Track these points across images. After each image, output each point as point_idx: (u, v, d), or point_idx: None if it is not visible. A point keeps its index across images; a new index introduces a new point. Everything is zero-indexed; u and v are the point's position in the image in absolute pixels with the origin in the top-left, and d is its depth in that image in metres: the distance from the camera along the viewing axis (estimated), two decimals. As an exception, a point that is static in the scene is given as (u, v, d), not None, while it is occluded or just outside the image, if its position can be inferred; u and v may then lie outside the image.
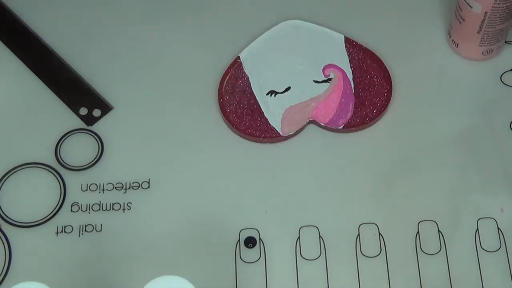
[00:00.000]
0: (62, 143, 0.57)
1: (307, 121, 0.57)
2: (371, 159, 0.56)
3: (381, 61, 0.59)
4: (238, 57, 0.59)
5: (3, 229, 0.53)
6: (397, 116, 0.57)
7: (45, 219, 0.54)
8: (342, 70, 0.58)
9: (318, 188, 0.55)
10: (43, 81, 0.59)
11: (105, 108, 0.58)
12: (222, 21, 0.62)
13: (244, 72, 0.58)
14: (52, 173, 0.55)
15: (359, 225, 0.53)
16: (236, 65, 0.59)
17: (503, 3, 0.54)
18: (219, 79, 0.58)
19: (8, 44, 0.61)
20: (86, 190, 0.55)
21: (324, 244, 0.53)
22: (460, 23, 0.57)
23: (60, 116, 0.58)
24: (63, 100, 0.59)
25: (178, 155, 0.56)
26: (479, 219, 0.53)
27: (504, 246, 0.52)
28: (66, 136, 0.57)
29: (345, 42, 0.59)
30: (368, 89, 0.58)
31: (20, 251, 0.53)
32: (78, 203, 0.54)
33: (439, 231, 0.53)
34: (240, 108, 0.57)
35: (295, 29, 0.60)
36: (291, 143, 0.57)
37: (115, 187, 0.55)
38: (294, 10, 0.61)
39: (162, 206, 0.54)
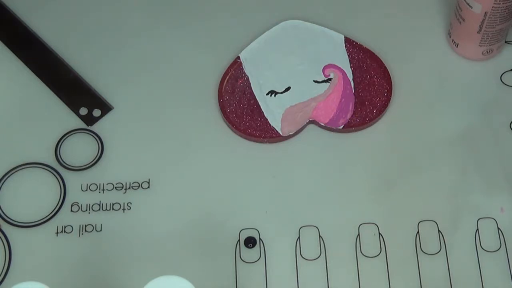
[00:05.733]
0: (62, 143, 0.57)
1: (307, 121, 0.57)
2: (371, 159, 0.56)
3: (381, 61, 0.59)
4: (238, 57, 0.59)
5: (3, 229, 0.53)
6: (397, 116, 0.57)
7: (45, 219, 0.54)
8: (342, 70, 0.58)
9: (318, 188, 0.55)
10: (43, 81, 0.59)
11: (105, 108, 0.58)
12: (222, 21, 0.62)
13: (244, 72, 0.58)
14: (52, 173, 0.55)
15: (359, 225, 0.53)
16: (236, 65, 0.59)
17: (503, 3, 0.54)
18: (219, 79, 0.58)
19: (8, 44, 0.61)
20: (86, 190, 0.55)
21: (324, 244, 0.53)
22: (460, 23, 0.57)
23: (60, 116, 0.58)
24: (63, 100, 0.59)
25: (178, 155, 0.56)
26: (479, 219, 0.53)
27: (504, 246, 0.52)
28: (66, 136, 0.57)
29: (345, 42, 0.59)
30: (368, 89, 0.58)
31: (20, 251, 0.53)
32: (78, 203, 0.54)
33: (439, 231, 0.53)
34: (240, 108, 0.57)
35: (295, 29, 0.60)
36: (291, 143, 0.57)
37: (115, 187, 0.55)
38: (294, 10, 0.61)
39: (162, 206, 0.54)
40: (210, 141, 0.57)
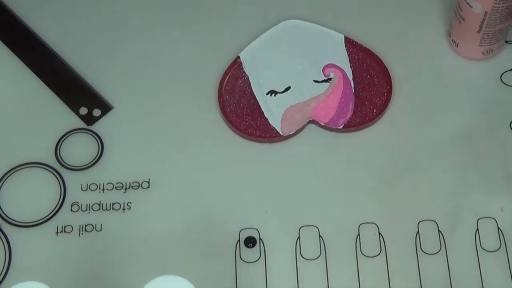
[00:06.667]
0: (62, 143, 0.57)
1: (307, 121, 0.57)
2: (371, 159, 0.56)
3: (381, 61, 0.59)
4: (238, 57, 0.59)
5: (3, 229, 0.53)
6: (397, 116, 0.57)
7: (45, 219, 0.54)
8: (342, 70, 0.58)
9: (318, 188, 0.55)
10: (43, 81, 0.59)
11: (105, 108, 0.58)
12: (222, 21, 0.62)
13: (244, 72, 0.58)
14: (52, 173, 0.55)
15: (359, 225, 0.53)
16: (236, 65, 0.59)
17: (503, 3, 0.54)
18: (219, 79, 0.58)
19: (8, 44, 0.61)
20: (86, 190, 0.55)
21: (324, 244, 0.53)
22: (460, 22, 0.57)
23: (60, 116, 0.58)
24: (63, 100, 0.59)
25: (178, 155, 0.56)
26: (479, 219, 0.53)
27: (504, 246, 0.52)
28: (66, 136, 0.57)
29: (345, 42, 0.59)
30: (368, 89, 0.58)
31: (20, 251, 0.53)
32: (78, 203, 0.54)
33: (439, 231, 0.53)
34: (240, 108, 0.57)
35: (295, 29, 0.60)
36: (291, 143, 0.57)
37: (115, 187, 0.55)
38: (294, 10, 0.61)
39: (162, 206, 0.54)
40: (210, 141, 0.57)
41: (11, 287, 0.51)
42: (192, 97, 0.58)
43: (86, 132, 0.57)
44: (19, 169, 0.56)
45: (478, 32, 0.57)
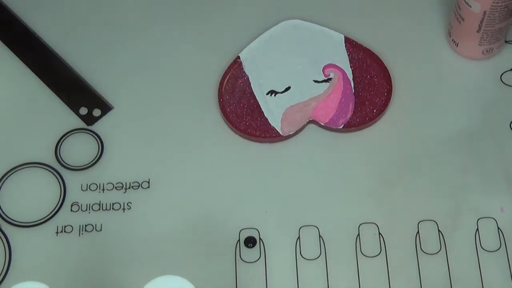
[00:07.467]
0: (62, 142, 0.57)
1: (307, 121, 0.57)
2: (371, 159, 0.56)
3: (381, 61, 0.59)
4: (238, 57, 0.59)
5: (3, 229, 0.53)
6: (397, 116, 0.57)
7: (45, 219, 0.54)
8: (342, 70, 0.58)
9: (318, 188, 0.55)
10: (43, 81, 0.59)
11: (105, 108, 0.58)
12: (222, 21, 0.62)
13: (244, 72, 0.58)
14: (52, 173, 0.55)
15: (359, 225, 0.53)
16: (236, 65, 0.59)
17: (501, 2, 0.54)
18: (219, 79, 0.58)
19: (8, 44, 0.61)
20: (86, 190, 0.55)
21: (324, 244, 0.53)
22: (460, 22, 0.57)
23: (60, 116, 0.58)
24: (63, 100, 0.59)
25: (178, 155, 0.56)
26: (479, 219, 0.53)
27: (504, 246, 0.52)
28: (66, 135, 0.57)
29: (345, 42, 0.59)
30: (368, 89, 0.58)
31: (20, 251, 0.53)
32: (78, 203, 0.54)
33: (439, 231, 0.53)
34: (240, 108, 0.57)
35: (295, 29, 0.60)
36: (291, 143, 0.57)
37: (115, 187, 0.55)
38: (294, 10, 0.61)
39: (162, 206, 0.54)
40: (210, 141, 0.57)
41: (11, 287, 0.51)
42: (192, 97, 0.58)
43: (86, 132, 0.57)
44: (19, 169, 0.56)
45: (478, 31, 0.57)
